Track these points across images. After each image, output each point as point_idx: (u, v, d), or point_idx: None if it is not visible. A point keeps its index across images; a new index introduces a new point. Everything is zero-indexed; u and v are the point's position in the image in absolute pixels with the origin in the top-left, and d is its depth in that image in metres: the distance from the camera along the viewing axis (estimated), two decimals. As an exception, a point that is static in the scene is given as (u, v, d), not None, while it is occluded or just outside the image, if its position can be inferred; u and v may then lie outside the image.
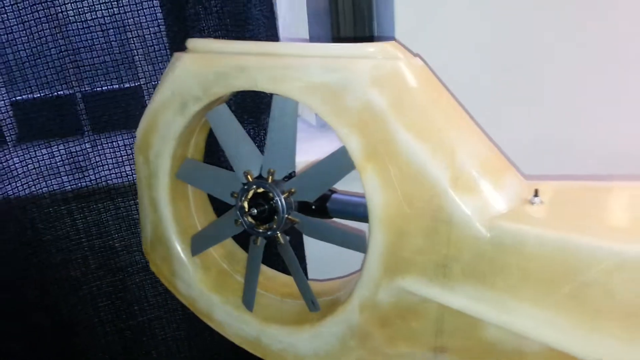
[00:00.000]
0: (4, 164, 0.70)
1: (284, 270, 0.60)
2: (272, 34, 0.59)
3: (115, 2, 0.61)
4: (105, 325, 0.79)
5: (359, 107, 0.46)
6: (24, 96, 0.73)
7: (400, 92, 0.45)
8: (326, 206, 0.53)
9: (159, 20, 0.61)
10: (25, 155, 0.71)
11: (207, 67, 0.52)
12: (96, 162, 0.72)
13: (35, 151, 0.72)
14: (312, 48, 0.49)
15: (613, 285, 0.38)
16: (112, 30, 0.63)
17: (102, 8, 0.63)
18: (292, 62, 0.49)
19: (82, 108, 0.72)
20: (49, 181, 0.72)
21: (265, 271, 0.63)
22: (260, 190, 0.52)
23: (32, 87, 0.70)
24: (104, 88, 0.69)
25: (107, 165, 0.72)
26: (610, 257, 0.38)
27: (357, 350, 0.51)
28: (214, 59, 0.52)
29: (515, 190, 0.46)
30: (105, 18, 0.63)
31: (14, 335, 0.76)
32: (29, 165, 0.71)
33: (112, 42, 0.64)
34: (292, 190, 0.52)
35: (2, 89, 0.74)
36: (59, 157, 0.72)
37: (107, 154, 0.71)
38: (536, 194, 0.44)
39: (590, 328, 0.40)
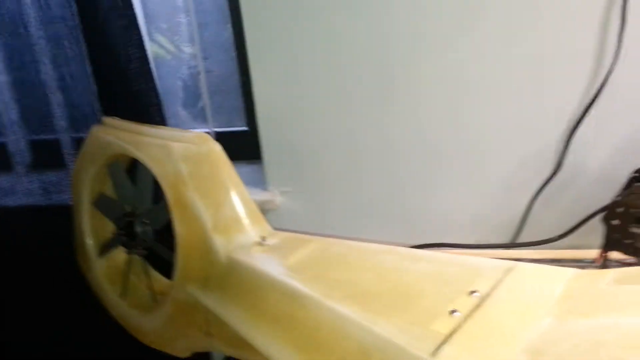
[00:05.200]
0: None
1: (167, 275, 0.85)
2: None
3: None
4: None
5: (173, 172, 0.70)
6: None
7: (196, 165, 0.69)
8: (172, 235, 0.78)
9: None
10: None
11: (105, 136, 0.79)
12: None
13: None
14: (156, 131, 0.74)
15: (268, 299, 0.59)
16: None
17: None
18: (145, 140, 0.74)
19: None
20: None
21: (151, 273, 0.87)
22: (129, 219, 0.78)
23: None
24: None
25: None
26: (259, 276, 0.59)
27: (170, 330, 0.74)
28: (109, 131, 0.79)
29: (257, 234, 0.68)
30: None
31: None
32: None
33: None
34: (146, 221, 0.77)
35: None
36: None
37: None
38: (263, 239, 0.66)
39: (261, 326, 0.61)
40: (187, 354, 0.75)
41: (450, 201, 0.92)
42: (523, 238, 0.91)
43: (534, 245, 0.89)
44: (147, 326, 0.77)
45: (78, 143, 0.94)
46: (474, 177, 0.90)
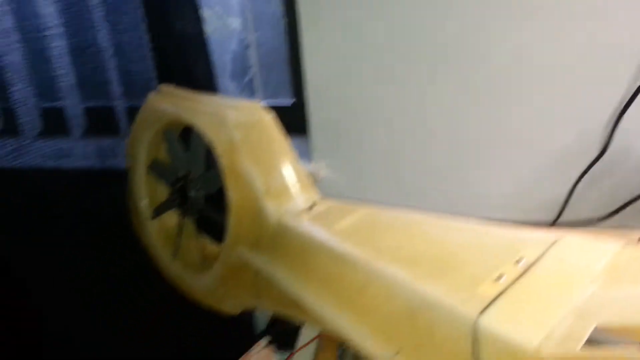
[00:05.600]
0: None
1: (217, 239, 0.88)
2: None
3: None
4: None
5: (226, 139, 0.73)
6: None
7: (249, 133, 0.72)
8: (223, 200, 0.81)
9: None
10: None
11: (162, 104, 0.83)
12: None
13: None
14: (210, 99, 0.78)
15: (317, 261, 0.62)
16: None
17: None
18: (199, 107, 0.77)
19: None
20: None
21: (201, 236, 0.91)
22: (182, 184, 0.82)
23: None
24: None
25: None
26: (309, 240, 0.62)
27: (220, 289, 0.78)
28: (166, 99, 0.83)
29: (306, 202, 0.71)
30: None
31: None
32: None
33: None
34: (198, 186, 0.81)
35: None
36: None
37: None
38: (312, 205, 0.69)
39: (310, 286, 0.64)
40: (236, 312, 0.79)
41: (494, 179, 0.93)
42: (565, 219, 0.91)
43: (575, 225, 0.89)
44: (198, 286, 0.81)
45: (131, 111, 0.98)
46: (518, 155, 0.91)
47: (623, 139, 0.85)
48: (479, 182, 0.94)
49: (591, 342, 0.42)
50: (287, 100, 1.09)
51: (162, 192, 0.91)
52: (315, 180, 1.00)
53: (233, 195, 0.72)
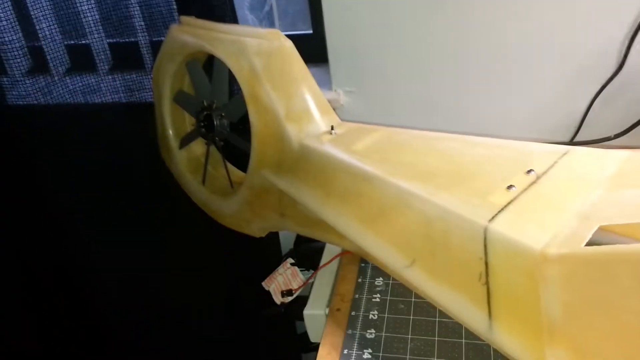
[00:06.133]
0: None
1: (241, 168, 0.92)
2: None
3: None
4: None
5: (247, 67, 0.75)
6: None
7: (269, 60, 0.74)
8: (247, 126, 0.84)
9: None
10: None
11: (183, 35, 0.84)
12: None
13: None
14: (230, 28, 0.79)
15: (337, 179, 0.65)
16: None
17: None
18: (220, 36, 0.78)
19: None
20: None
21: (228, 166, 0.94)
22: (207, 113, 0.84)
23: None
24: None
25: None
26: (329, 160, 0.65)
27: (247, 212, 0.82)
28: (187, 29, 0.84)
29: (326, 125, 0.73)
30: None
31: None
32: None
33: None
34: (222, 114, 0.83)
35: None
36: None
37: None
38: (332, 129, 0.71)
39: (331, 203, 0.67)
40: (262, 234, 0.83)
41: (510, 99, 0.94)
42: (581, 137, 0.92)
43: (590, 143, 0.90)
44: (226, 210, 0.85)
45: (155, 45, 1.00)
46: (534, 75, 0.91)
47: (638, 57, 0.84)
48: (496, 104, 0.95)
49: (595, 243, 0.44)
50: (306, 30, 1.09)
51: (188, 122, 0.93)
52: (336, 107, 1.01)
53: (255, 120, 0.74)
